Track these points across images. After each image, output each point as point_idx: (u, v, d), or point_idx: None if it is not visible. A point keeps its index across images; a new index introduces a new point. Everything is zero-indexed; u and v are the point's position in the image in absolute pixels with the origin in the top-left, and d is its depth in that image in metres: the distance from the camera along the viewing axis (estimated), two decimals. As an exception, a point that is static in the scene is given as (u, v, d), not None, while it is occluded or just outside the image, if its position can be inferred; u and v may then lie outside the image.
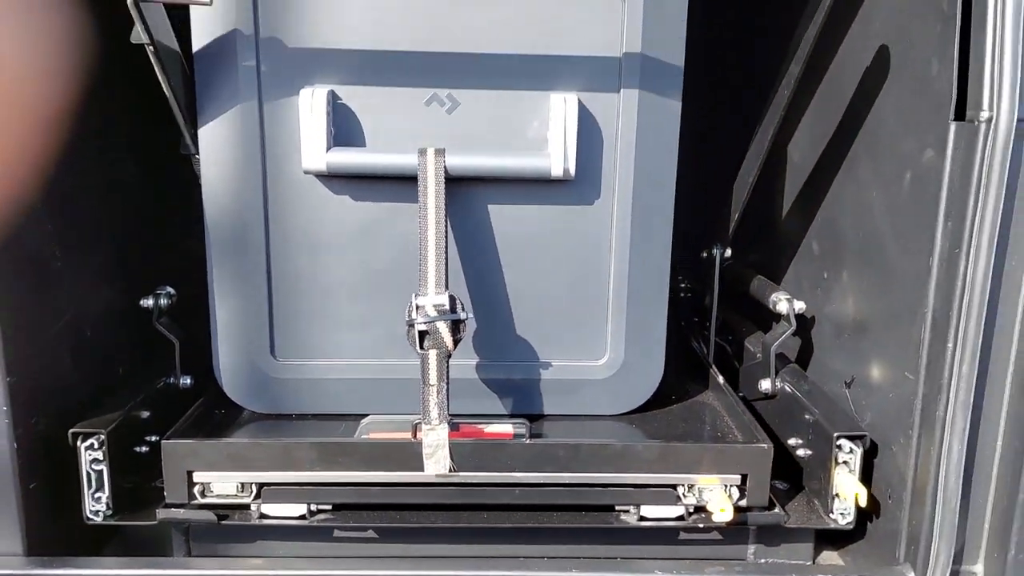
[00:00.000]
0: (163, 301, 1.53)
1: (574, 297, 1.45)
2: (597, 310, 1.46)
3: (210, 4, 1.24)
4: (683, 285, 2.14)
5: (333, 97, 1.35)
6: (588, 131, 1.37)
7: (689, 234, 1.66)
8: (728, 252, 1.75)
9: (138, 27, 1.21)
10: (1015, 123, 1.06)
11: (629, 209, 1.41)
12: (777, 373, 1.58)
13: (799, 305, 1.56)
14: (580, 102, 1.36)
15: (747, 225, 1.69)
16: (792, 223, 1.74)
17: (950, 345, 1.15)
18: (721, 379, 1.65)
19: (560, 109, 1.34)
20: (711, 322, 1.75)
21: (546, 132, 1.36)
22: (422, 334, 1.28)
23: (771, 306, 1.59)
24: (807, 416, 1.43)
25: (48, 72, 1.31)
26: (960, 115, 1.12)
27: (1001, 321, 1.17)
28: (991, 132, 1.07)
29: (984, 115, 1.08)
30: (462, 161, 1.34)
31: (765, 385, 1.57)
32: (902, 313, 1.26)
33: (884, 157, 1.33)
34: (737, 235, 1.70)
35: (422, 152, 1.33)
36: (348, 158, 1.35)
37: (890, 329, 1.31)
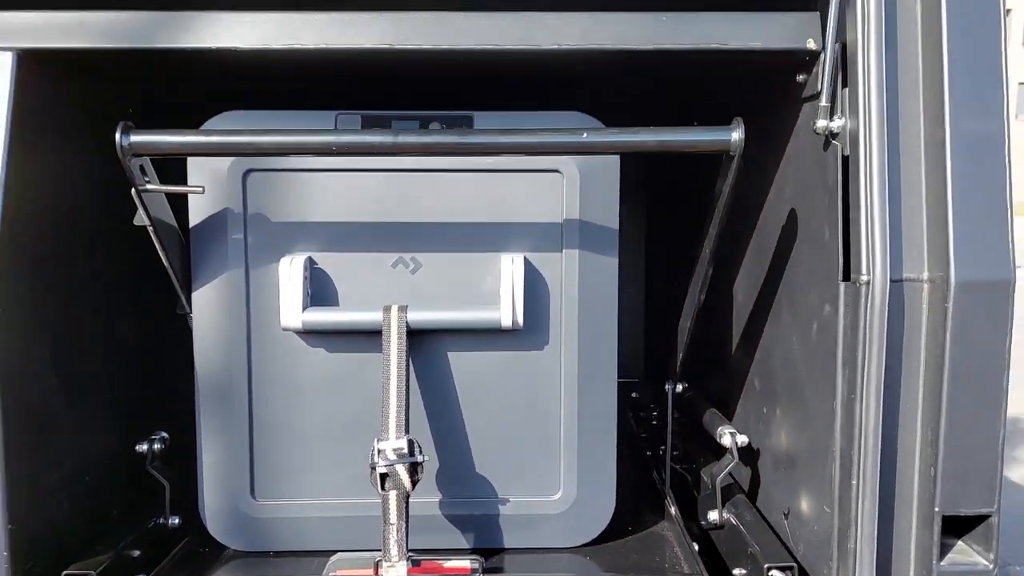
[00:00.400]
0: (157, 446, 1.67)
1: (528, 436, 1.59)
2: (550, 448, 1.59)
3: (203, 192, 1.44)
4: (652, 415, 2.26)
5: (311, 263, 1.54)
6: (534, 286, 1.54)
7: (656, 369, 1.80)
8: (679, 387, 1.89)
9: (140, 213, 1.42)
10: (888, 284, 1.22)
11: (576, 355, 1.56)
12: (725, 503, 1.68)
13: (742, 439, 1.67)
14: (527, 261, 1.53)
15: (703, 360, 1.83)
16: (739, 360, 1.88)
17: (854, 482, 1.26)
18: (674, 510, 1.75)
19: (508, 268, 1.52)
20: (666, 455, 1.87)
21: (497, 288, 1.53)
22: (383, 476, 1.41)
23: (717, 439, 1.71)
24: (748, 547, 1.52)
25: (56, 234, 1.51)
26: (847, 276, 1.28)
27: (902, 459, 1.28)
28: (870, 292, 1.22)
29: (864, 278, 1.23)
30: (423, 316, 1.51)
31: (712, 516, 1.67)
32: (818, 451, 1.38)
33: (798, 307, 1.49)
34: (695, 369, 1.84)
35: (386, 309, 1.50)
36: (321, 317, 1.52)
37: (811, 465, 1.43)
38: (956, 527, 1.29)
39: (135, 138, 1.32)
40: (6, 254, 1.32)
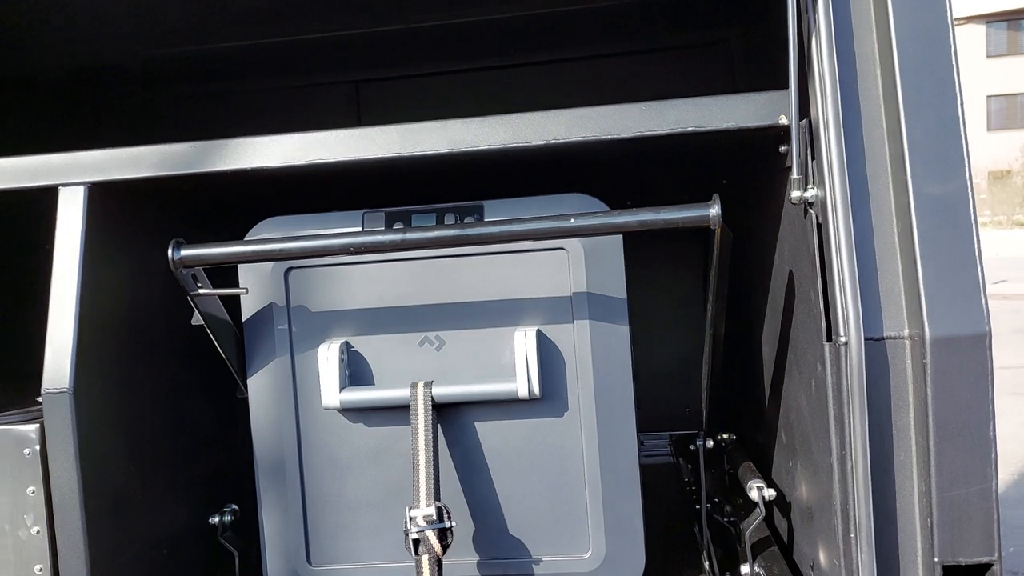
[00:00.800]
0: (227, 517, 1.85)
1: (555, 498, 1.68)
2: (577, 509, 1.68)
3: (247, 293, 1.64)
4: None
5: (347, 346, 1.70)
6: (549, 357, 1.66)
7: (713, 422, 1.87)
8: (721, 438, 1.94)
9: (197, 314, 1.62)
10: (863, 343, 1.27)
11: (594, 419, 1.66)
12: (757, 556, 1.72)
13: (769, 492, 1.71)
14: (540, 333, 1.65)
15: (743, 414, 1.88)
16: (769, 414, 1.92)
17: (852, 535, 1.31)
18: (707, 564, 1.79)
19: (522, 341, 1.64)
20: (702, 509, 1.92)
21: (514, 360, 1.65)
22: (415, 541, 1.54)
23: (747, 492, 1.76)
24: (775, 601, 1.57)
25: (126, 334, 1.72)
26: (829, 337, 1.34)
27: (901, 510, 1.32)
28: (847, 351, 1.28)
29: (842, 338, 1.29)
30: (447, 390, 1.64)
31: (744, 570, 1.71)
32: (825, 504, 1.43)
33: (802, 365, 1.54)
34: (738, 423, 1.89)
35: (413, 385, 1.64)
36: (356, 396, 1.67)
37: (822, 518, 1.47)
38: (962, 575, 1.31)
39: (185, 252, 1.53)
40: (84, 354, 1.54)
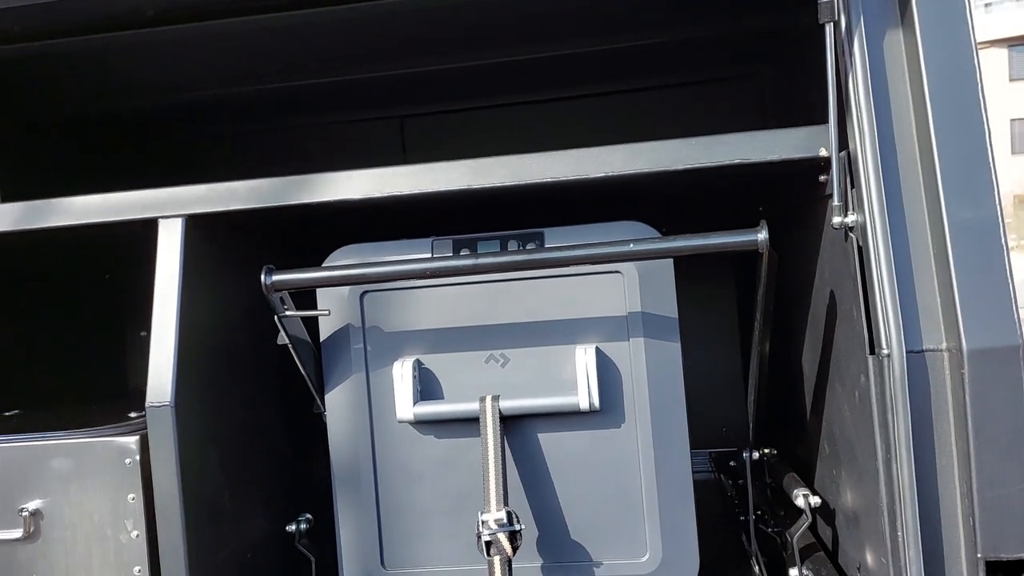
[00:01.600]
0: (303, 526, 1.99)
1: (614, 505, 1.80)
2: (635, 515, 1.79)
3: (329, 314, 1.79)
4: (745, 482, 2.40)
5: (418, 364, 1.84)
6: (607, 372, 1.78)
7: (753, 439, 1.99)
8: (762, 452, 2.05)
9: (282, 334, 1.77)
10: (905, 355, 1.38)
11: (650, 431, 1.78)
12: (804, 561, 1.82)
13: (815, 500, 1.82)
14: (599, 350, 1.78)
15: (785, 428, 1.98)
16: (812, 426, 2.03)
17: (899, 534, 1.41)
18: (757, 568, 1.89)
19: (582, 358, 1.76)
20: (748, 516, 2.02)
21: (575, 375, 1.78)
22: (487, 544, 1.66)
23: (793, 500, 1.86)
24: (823, 601, 1.66)
25: (219, 355, 1.87)
26: (872, 350, 1.45)
27: (945, 511, 1.42)
28: (890, 363, 1.39)
29: (884, 351, 1.41)
30: (512, 403, 1.77)
31: (793, 573, 1.81)
32: (871, 508, 1.53)
33: (845, 378, 1.65)
34: (780, 437, 1.99)
35: (482, 399, 1.77)
36: (429, 409, 1.81)
37: (869, 521, 1.57)
38: (1005, 570, 1.40)
39: (276, 277, 1.69)
40: (183, 374, 1.69)
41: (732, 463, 2.73)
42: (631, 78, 2.82)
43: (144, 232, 1.92)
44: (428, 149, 3.00)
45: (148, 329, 3.12)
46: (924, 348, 1.41)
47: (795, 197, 1.95)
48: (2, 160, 2.46)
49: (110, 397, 2.69)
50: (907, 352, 1.38)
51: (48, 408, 2.32)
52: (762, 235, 1.52)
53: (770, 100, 2.79)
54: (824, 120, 1.61)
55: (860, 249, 1.47)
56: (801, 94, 2.34)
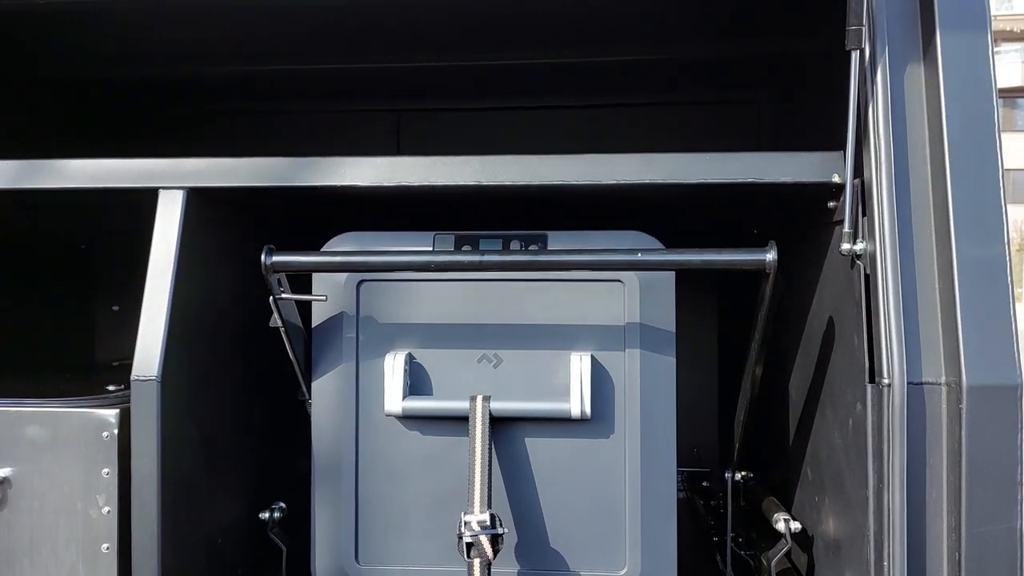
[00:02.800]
0: (276, 514, 1.95)
1: (597, 515, 1.78)
2: (616, 526, 1.78)
3: (325, 300, 1.76)
4: (720, 503, 2.41)
5: (410, 358, 1.81)
6: (601, 381, 1.77)
7: (726, 461, 1.98)
8: (742, 477, 2.05)
9: (275, 316, 1.73)
10: (906, 386, 1.39)
11: (638, 443, 1.77)
12: (780, 586, 1.82)
13: (795, 525, 1.82)
14: (594, 359, 1.77)
15: (765, 451, 1.99)
16: (794, 451, 2.03)
17: (885, 563, 1.41)
18: (732, 590, 1.89)
19: (577, 365, 1.75)
20: (727, 538, 2.02)
21: (568, 382, 1.77)
22: (468, 545, 1.63)
23: (773, 524, 1.86)
24: (798, 627, 1.66)
25: (208, 331, 1.83)
26: (872, 379, 1.46)
27: (930, 543, 1.42)
28: (891, 393, 1.40)
29: (885, 380, 1.41)
30: (503, 405, 1.75)
31: (769, 597, 1.81)
32: (856, 535, 1.53)
33: (838, 405, 1.66)
34: (758, 460, 2.00)
35: (472, 399, 1.75)
36: (418, 404, 1.78)
37: (852, 548, 1.57)
38: (985, 609, 1.42)
39: (276, 258, 1.65)
40: (172, 347, 1.65)
41: (705, 483, 2.74)
42: (632, 92, 2.84)
43: (125, 205, 1.88)
44: (424, 145, 2.99)
45: (120, 303, 3.07)
46: (923, 380, 1.42)
47: (795, 221, 1.96)
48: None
49: (80, 369, 2.62)
50: (907, 383, 1.39)
51: (15, 375, 2.26)
52: (770, 255, 1.52)
53: (764, 127, 2.82)
54: (828, 147, 1.62)
55: (867, 277, 1.48)
56: (799, 120, 2.37)
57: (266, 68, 2.53)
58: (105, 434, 1.68)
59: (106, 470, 1.68)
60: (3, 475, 1.70)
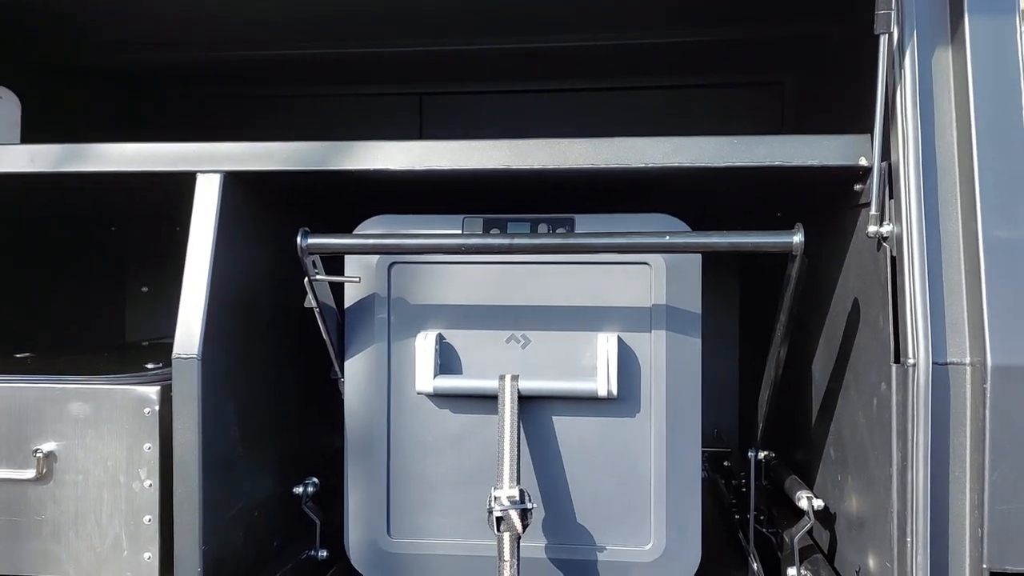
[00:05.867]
0: (310, 489, 2.00)
1: (623, 492, 1.82)
2: (642, 503, 1.82)
3: (359, 281, 1.80)
4: (742, 482, 2.44)
5: (440, 338, 1.85)
6: (627, 362, 1.80)
7: (747, 441, 2.01)
8: (761, 455, 2.08)
9: (310, 298, 1.78)
10: (931, 367, 1.42)
11: (664, 422, 1.80)
12: (802, 562, 1.86)
13: (818, 503, 1.85)
14: (620, 339, 1.80)
15: (787, 431, 2.02)
16: (817, 431, 2.06)
17: (908, 540, 1.44)
18: (756, 565, 1.93)
19: (604, 345, 1.78)
20: (750, 515, 2.06)
21: (595, 362, 1.80)
22: (498, 519, 1.68)
23: (796, 502, 1.90)
24: (821, 601, 1.70)
25: (246, 312, 1.88)
26: (897, 359, 1.48)
27: (953, 520, 1.45)
28: (915, 373, 1.43)
29: (910, 361, 1.44)
30: (531, 384, 1.79)
31: (791, 572, 1.85)
32: (880, 513, 1.56)
33: (862, 385, 1.69)
34: (781, 439, 2.03)
35: (501, 378, 1.79)
36: (449, 383, 1.82)
37: (875, 525, 1.61)
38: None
39: (311, 240, 1.70)
40: (211, 327, 1.70)
41: (726, 463, 2.77)
42: (656, 74, 2.85)
43: (155, 188, 1.92)
44: (446, 128, 3.02)
45: (149, 285, 3.13)
46: (948, 361, 1.45)
47: (818, 203, 1.97)
48: (30, 102, 2.45)
49: (116, 348, 2.69)
50: (932, 363, 1.41)
51: (56, 353, 2.32)
52: (797, 238, 1.55)
53: (788, 110, 2.83)
54: (852, 129, 1.64)
55: (894, 259, 1.50)
56: (822, 103, 2.38)
57: (291, 52, 2.56)
58: (147, 410, 1.74)
59: (148, 445, 1.74)
60: (48, 449, 1.76)
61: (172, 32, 2.36)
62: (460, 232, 1.84)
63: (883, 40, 1.49)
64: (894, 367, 1.49)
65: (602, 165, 1.67)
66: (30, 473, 1.75)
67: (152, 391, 1.74)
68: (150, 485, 1.74)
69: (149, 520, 1.74)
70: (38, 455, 1.75)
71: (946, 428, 1.45)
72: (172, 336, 1.69)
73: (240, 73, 2.82)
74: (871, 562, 1.64)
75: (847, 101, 2.00)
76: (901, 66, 1.51)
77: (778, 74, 2.80)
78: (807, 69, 2.57)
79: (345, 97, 3.05)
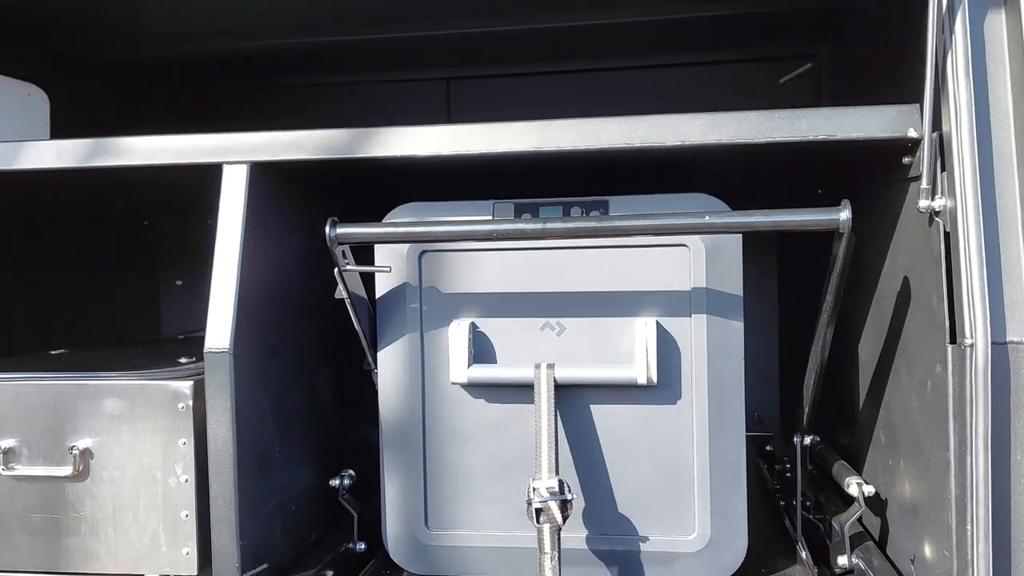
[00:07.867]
0: (346, 481, 1.98)
1: (665, 481, 1.78)
2: (685, 492, 1.77)
3: (389, 271, 1.76)
4: (786, 467, 2.38)
5: (473, 327, 1.82)
6: (666, 347, 1.75)
7: (789, 425, 1.95)
8: (810, 441, 2.02)
9: (340, 288, 1.75)
10: (990, 346, 1.34)
11: (706, 408, 1.75)
12: (853, 549, 1.79)
13: (868, 489, 1.79)
14: (659, 325, 1.75)
15: (833, 415, 1.95)
16: (865, 415, 1.99)
17: (969, 527, 1.38)
18: (805, 554, 1.87)
19: (642, 331, 1.73)
20: (797, 502, 1.99)
21: (633, 348, 1.75)
22: (537, 511, 1.64)
23: (845, 488, 1.83)
24: (875, 590, 1.64)
25: (276, 304, 1.86)
26: (953, 339, 1.41)
27: (1016, 506, 1.38)
28: (974, 354, 1.36)
29: (968, 341, 1.37)
30: (568, 373, 1.74)
31: (842, 561, 1.79)
32: (936, 499, 1.50)
33: (915, 367, 1.62)
34: (826, 424, 1.97)
35: (537, 367, 1.75)
36: (483, 372, 1.79)
37: (932, 512, 1.54)
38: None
39: (340, 230, 1.66)
40: (242, 321, 1.68)
41: (768, 448, 2.71)
42: (687, 51, 2.77)
43: (186, 181, 1.90)
44: (474, 112, 2.97)
45: (183, 278, 3.14)
46: (1008, 340, 1.37)
47: (862, 178, 1.90)
48: (57, 99, 2.44)
49: (150, 342, 2.69)
50: (991, 343, 1.34)
51: (90, 349, 2.32)
52: (844, 214, 1.48)
53: (825, 83, 2.73)
54: (896, 100, 1.56)
55: (947, 235, 1.42)
56: (862, 75, 2.28)
57: (316, 40, 2.54)
58: (181, 405, 1.73)
59: (183, 440, 1.72)
60: (84, 446, 1.76)
61: (196, 22, 2.34)
62: (491, 218, 1.80)
63: (932, 4, 1.41)
64: (950, 348, 1.42)
65: (636, 144, 1.61)
66: (67, 470, 1.75)
67: (185, 386, 1.73)
68: (186, 480, 1.73)
69: (186, 515, 1.73)
70: (74, 452, 1.75)
71: (1006, 409, 1.38)
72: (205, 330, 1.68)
73: (264, 63, 2.80)
74: (927, 550, 1.58)
75: (888, 72, 1.92)
76: (952, 31, 1.43)
77: (814, 47, 2.71)
78: (844, 40, 2.47)
79: (371, 84, 3.02)
